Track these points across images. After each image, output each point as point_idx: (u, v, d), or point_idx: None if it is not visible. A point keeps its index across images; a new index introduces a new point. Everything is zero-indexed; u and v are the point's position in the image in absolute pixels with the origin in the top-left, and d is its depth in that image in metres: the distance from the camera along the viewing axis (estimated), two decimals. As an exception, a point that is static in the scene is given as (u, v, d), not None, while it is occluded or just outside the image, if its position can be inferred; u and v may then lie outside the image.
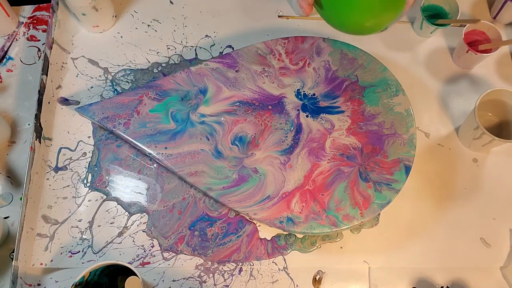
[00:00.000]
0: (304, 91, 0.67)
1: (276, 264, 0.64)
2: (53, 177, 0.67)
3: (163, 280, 0.63)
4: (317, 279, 0.63)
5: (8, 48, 0.74)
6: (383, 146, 0.64)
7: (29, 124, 0.70)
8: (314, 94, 0.67)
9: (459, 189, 0.68)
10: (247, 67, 0.68)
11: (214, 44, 0.75)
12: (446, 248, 0.65)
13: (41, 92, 0.68)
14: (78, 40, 0.74)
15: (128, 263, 0.61)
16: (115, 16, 0.76)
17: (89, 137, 0.69)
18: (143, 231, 0.65)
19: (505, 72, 0.75)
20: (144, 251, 0.64)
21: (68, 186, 0.66)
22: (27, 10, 0.77)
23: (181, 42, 0.75)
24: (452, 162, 0.70)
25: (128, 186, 0.66)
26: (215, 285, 0.63)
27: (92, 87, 0.72)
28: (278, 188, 0.62)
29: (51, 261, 0.63)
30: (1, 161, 0.68)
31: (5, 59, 0.73)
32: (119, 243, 0.64)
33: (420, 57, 0.75)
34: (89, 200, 0.66)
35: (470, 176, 0.69)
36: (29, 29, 0.75)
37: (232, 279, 0.63)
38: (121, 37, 0.75)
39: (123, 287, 0.58)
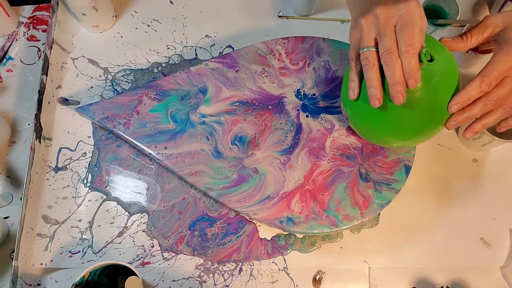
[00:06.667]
0: (304, 91, 0.67)
1: (276, 264, 0.64)
2: (53, 177, 0.67)
3: (163, 280, 0.63)
4: (317, 279, 0.63)
5: (8, 48, 0.74)
6: (383, 146, 0.64)
7: (29, 124, 0.70)
8: (314, 94, 0.67)
9: (459, 189, 0.68)
10: (247, 67, 0.68)
11: (214, 44, 0.75)
12: (446, 248, 0.65)
13: (41, 92, 0.68)
14: (78, 40, 0.74)
15: (128, 263, 0.61)
16: (115, 16, 0.76)
17: (89, 137, 0.69)
18: (143, 231, 0.65)
19: (505, 72, 0.75)
20: (144, 251, 0.64)
21: (68, 186, 0.66)
22: (27, 10, 0.77)
23: (181, 42, 0.75)
24: (452, 162, 0.70)
25: (128, 186, 0.66)
26: (215, 285, 0.63)
27: (92, 87, 0.72)
28: (278, 188, 0.62)
29: (51, 261, 0.63)
30: (1, 161, 0.68)
31: (5, 59, 0.73)
32: (119, 243, 0.64)
33: (420, 57, 0.75)
34: (89, 200, 0.66)
35: (470, 176, 0.69)
36: (29, 29, 0.75)
37: (232, 279, 0.63)
38: (121, 37, 0.75)
39: (123, 287, 0.58)
